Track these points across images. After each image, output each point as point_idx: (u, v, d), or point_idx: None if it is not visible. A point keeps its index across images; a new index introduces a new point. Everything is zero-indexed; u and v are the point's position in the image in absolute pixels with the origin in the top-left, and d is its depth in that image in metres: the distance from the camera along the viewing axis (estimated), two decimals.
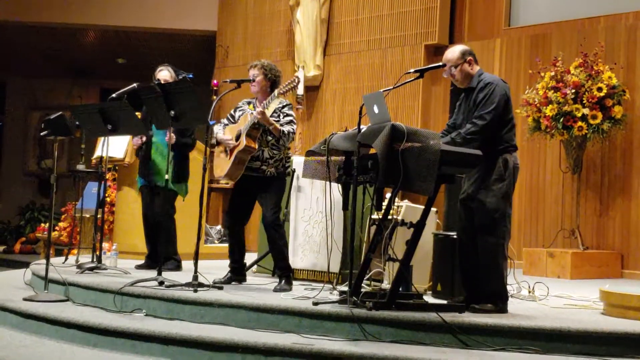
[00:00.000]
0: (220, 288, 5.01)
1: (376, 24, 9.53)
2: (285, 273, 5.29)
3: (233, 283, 5.42)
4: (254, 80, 5.39)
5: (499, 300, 4.52)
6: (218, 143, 5.44)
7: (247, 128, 5.21)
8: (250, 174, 5.28)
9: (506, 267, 4.61)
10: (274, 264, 5.60)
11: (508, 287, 5.12)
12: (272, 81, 5.40)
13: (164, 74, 6.25)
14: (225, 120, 5.52)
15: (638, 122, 7.47)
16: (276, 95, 5.28)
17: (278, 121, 5.28)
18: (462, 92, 4.79)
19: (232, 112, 5.53)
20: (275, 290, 5.14)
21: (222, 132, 5.43)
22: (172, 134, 5.79)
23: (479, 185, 4.54)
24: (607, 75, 7.30)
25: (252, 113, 5.25)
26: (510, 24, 8.74)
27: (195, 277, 4.97)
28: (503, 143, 4.57)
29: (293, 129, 5.31)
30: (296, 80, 5.38)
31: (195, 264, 5.05)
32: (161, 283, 5.00)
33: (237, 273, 5.50)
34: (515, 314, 4.49)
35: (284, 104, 5.39)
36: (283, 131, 5.23)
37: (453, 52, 4.74)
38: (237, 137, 5.25)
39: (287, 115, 5.34)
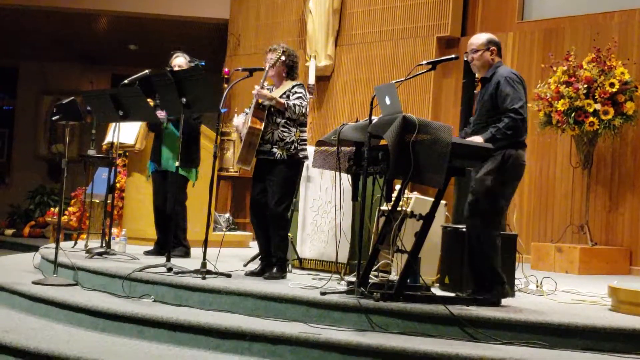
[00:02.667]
0: (229, 276, 5.03)
1: (388, 15, 9.50)
2: (279, 262, 5.24)
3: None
4: (265, 69, 5.34)
5: (494, 289, 4.52)
6: (237, 131, 5.42)
7: (252, 109, 5.19)
8: (262, 157, 5.24)
9: (498, 253, 4.59)
10: (265, 250, 5.41)
11: (516, 281, 5.14)
12: (289, 67, 5.35)
13: (180, 60, 6.25)
14: (247, 110, 5.49)
15: None
16: (267, 70, 5.22)
17: (287, 100, 5.21)
18: (477, 84, 4.79)
19: (253, 101, 5.51)
20: (265, 277, 5.12)
21: (241, 121, 5.39)
22: (163, 112, 5.79)
23: (479, 178, 4.54)
24: (619, 70, 7.25)
25: (253, 94, 5.21)
26: (524, 17, 8.69)
27: (204, 264, 4.98)
28: (512, 139, 4.56)
29: (301, 103, 5.19)
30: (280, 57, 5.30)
31: (204, 252, 5.06)
32: (170, 269, 5.02)
33: (269, 261, 5.31)
34: (522, 308, 4.49)
35: (295, 84, 5.33)
36: (287, 104, 5.14)
37: (478, 38, 4.77)
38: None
39: (296, 92, 5.25)
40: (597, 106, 7.18)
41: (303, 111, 5.22)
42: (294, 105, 5.16)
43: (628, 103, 7.22)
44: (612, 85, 7.19)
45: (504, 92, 4.53)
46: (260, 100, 5.18)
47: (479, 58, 4.70)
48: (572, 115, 7.26)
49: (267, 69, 5.26)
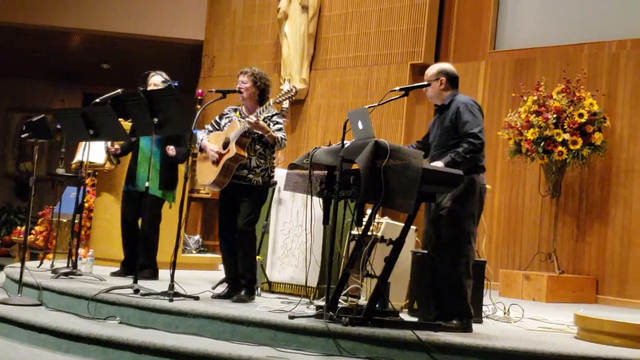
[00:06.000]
0: (197, 298, 4.98)
1: (363, 41, 9.58)
2: (248, 285, 5.21)
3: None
4: (240, 92, 5.36)
5: (463, 318, 4.54)
6: (202, 150, 5.39)
7: (237, 136, 5.17)
8: (237, 182, 5.24)
9: (470, 285, 4.62)
10: (232, 273, 5.37)
11: (484, 308, 5.16)
12: (260, 89, 5.36)
13: (156, 79, 6.21)
14: (209, 127, 5.48)
15: (617, 149, 7.56)
16: (271, 104, 5.26)
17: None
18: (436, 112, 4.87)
19: (216, 118, 5.50)
20: (234, 300, 5.08)
21: (206, 138, 5.39)
22: (172, 147, 5.81)
23: (446, 205, 4.57)
24: (588, 101, 7.38)
25: (242, 121, 5.21)
26: (496, 47, 8.82)
27: (172, 286, 4.93)
28: (472, 163, 4.61)
29: (284, 136, 5.28)
30: (293, 91, 5.36)
31: (172, 273, 5.01)
32: (137, 291, 4.96)
33: (236, 284, 5.28)
34: (490, 334, 4.51)
35: (273, 112, 5.36)
36: (278, 137, 5.20)
37: (432, 69, 4.91)
38: (225, 145, 5.22)
39: (277, 123, 5.31)
40: (566, 136, 7.29)
41: (285, 144, 5.30)
42: (282, 139, 5.24)
43: (596, 134, 7.34)
44: (581, 115, 7.31)
45: (464, 119, 4.62)
46: (254, 130, 5.17)
47: (431, 89, 4.82)
48: (542, 144, 7.36)
49: (271, 102, 5.27)
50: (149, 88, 6.02)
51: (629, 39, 7.71)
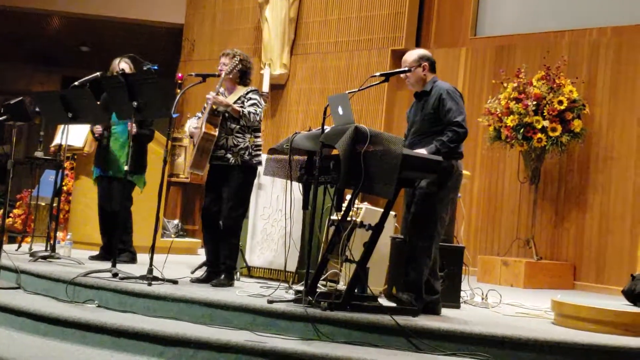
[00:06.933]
0: (175, 282, 4.97)
1: (344, 26, 9.55)
2: (228, 269, 5.20)
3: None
4: (221, 73, 5.32)
5: (413, 293, 4.56)
6: (191, 136, 5.36)
7: (206, 115, 5.15)
8: (215, 162, 5.20)
9: (428, 265, 4.63)
10: (212, 257, 5.33)
11: (462, 293, 5.20)
12: (242, 72, 5.32)
13: (123, 66, 6.15)
14: (199, 114, 5.44)
15: (596, 137, 7.62)
16: (223, 76, 5.21)
17: (242, 107, 5.20)
18: (415, 98, 4.86)
19: (205, 105, 5.47)
20: (213, 284, 5.07)
21: (193, 125, 5.35)
22: (134, 124, 5.74)
23: (422, 187, 4.59)
24: (568, 89, 7.42)
25: (207, 99, 5.18)
26: (477, 33, 8.84)
27: (150, 271, 4.91)
28: (453, 150, 4.63)
29: (255, 111, 5.16)
30: (242, 55, 5.29)
31: (151, 257, 4.99)
32: (115, 275, 4.94)
33: (216, 269, 5.25)
34: (467, 320, 4.54)
35: (249, 89, 5.32)
36: (242, 111, 5.11)
37: (411, 55, 4.86)
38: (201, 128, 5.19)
39: (251, 99, 5.24)
40: (546, 123, 7.33)
41: (257, 118, 5.21)
42: (249, 113, 5.14)
43: (575, 121, 7.39)
44: (560, 103, 7.35)
45: (447, 106, 4.62)
46: (214, 107, 5.14)
47: (413, 75, 4.79)
48: (521, 131, 7.39)
49: (222, 75, 5.23)
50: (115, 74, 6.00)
51: (610, 26, 7.75)
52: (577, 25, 8.00)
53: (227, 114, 5.16)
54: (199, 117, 5.36)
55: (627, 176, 7.41)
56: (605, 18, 7.85)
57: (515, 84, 7.57)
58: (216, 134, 5.11)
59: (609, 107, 7.60)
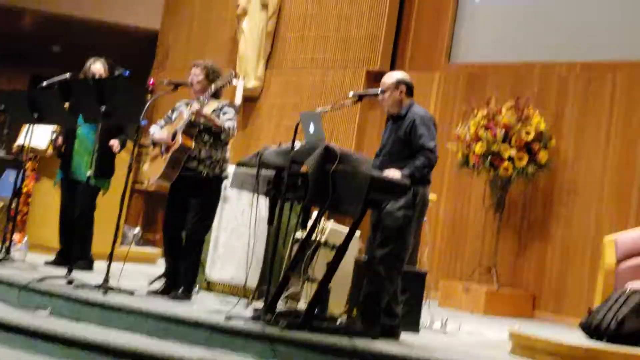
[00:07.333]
0: (132, 293, 4.86)
1: (321, 44, 9.55)
2: (187, 283, 5.10)
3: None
4: (192, 83, 5.28)
5: (373, 316, 4.53)
6: (154, 144, 5.27)
7: (183, 126, 5.07)
8: (185, 174, 5.12)
9: (389, 289, 4.59)
10: (172, 269, 5.23)
11: (422, 319, 5.18)
12: (213, 82, 5.29)
13: (97, 67, 6.07)
14: (162, 122, 5.36)
15: (561, 169, 7.70)
16: (212, 90, 5.16)
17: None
18: (390, 120, 4.87)
19: (169, 113, 5.40)
20: (170, 297, 4.98)
21: (157, 132, 5.28)
22: (116, 142, 5.69)
23: (389, 211, 4.58)
24: (536, 120, 7.50)
25: (191, 111, 5.11)
26: (451, 59, 8.90)
27: (107, 279, 4.81)
28: (425, 176, 4.64)
29: (234, 125, 5.16)
30: (233, 74, 5.26)
31: (109, 266, 4.89)
32: (70, 282, 4.82)
33: (175, 282, 5.16)
34: (425, 345, 4.52)
35: (224, 103, 5.29)
36: (223, 126, 5.09)
37: (390, 77, 4.86)
38: (173, 137, 5.11)
39: (227, 113, 5.22)
40: (513, 152, 7.39)
41: (235, 133, 5.19)
42: (229, 128, 5.12)
43: (542, 152, 7.46)
44: (528, 133, 7.42)
45: (419, 131, 4.64)
46: (194, 119, 5.07)
47: (389, 97, 4.79)
48: (489, 158, 7.44)
49: (212, 88, 5.16)
50: (90, 75, 5.91)
51: (579, 62, 7.86)
52: (547, 58, 8.10)
53: (202, 126, 5.11)
54: (162, 126, 5.30)
55: (589, 210, 7.48)
56: (575, 53, 7.96)
57: (485, 112, 7.63)
58: (193, 145, 5.06)
59: (575, 141, 7.69)
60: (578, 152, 7.66)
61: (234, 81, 5.26)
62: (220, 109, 5.21)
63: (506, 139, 7.45)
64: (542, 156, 7.45)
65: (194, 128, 5.09)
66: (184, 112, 5.20)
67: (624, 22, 7.73)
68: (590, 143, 7.61)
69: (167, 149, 5.11)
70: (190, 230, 5.10)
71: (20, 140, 6.69)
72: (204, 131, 5.13)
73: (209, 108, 5.21)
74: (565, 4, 8.12)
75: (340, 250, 4.44)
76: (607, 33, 7.80)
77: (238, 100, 9.48)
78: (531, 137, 7.42)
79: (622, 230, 6.33)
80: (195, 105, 5.06)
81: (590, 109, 7.67)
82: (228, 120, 5.15)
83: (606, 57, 7.72)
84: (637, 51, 7.53)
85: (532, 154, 7.45)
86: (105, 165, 5.97)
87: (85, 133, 6.04)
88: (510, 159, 7.39)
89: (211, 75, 5.25)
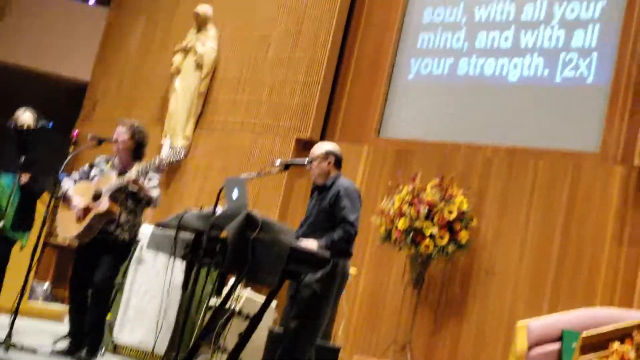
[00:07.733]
0: (34, 352, 4.64)
1: (253, 108, 9.59)
2: (92, 343, 4.94)
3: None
4: (116, 141, 5.22)
5: None
6: (65, 199, 5.13)
7: (111, 190, 4.97)
8: (101, 237, 5.01)
9: None
10: (77, 328, 5.08)
11: None
12: (137, 143, 5.25)
13: (27, 116, 5.90)
14: (76, 175, 5.24)
15: (480, 249, 7.83)
16: (152, 165, 5.06)
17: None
18: (316, 191, 4.89)
19: (85, 168, 5.28)
20: (75, 358, 4.84)
21: (72, 188, 5.14)
22: (25, 175, 5.49)
23: (307, 283, 4.55)
24: (459, 199, 7.64)
25: (118, 176, 5.04)
26: (380, 134, 9.05)
27: (9, 335, 4.58)
28: (344, 249, 4.64)
29: (159, 194, 5.17)
30: (182, 153, 5.20)
31: (13, 321, 4.67)
32: None
33: (80, 342, 4.98)
34: None
35: (148, 166, 5.20)
36: (152, 197, 5.09)
37: (319, 148, 4.90)
38: (96, 197, 5.00)
39: (152, 179, 5.17)
40: (434, 230, 7.48)
41: (160, 202, 5.17)
42: (157, 199, 5.08)
43: (463, 232, 7.58)
44: (450, 212, 7.55)
45: (342, 204, 4.67)
46: (131, 188, 4.97)
47: (317, 167, 4.84)
48: (411, 234, 7.51)
49: (157, 162, 5.04)
50: (19, 124, 5.74)
51: (503, 146, 8.12)
52: (473, 140, 8.32)
53: (128, 191, 5.04)
54: (77, 180, 5.19)
55: (505, 293, 7.59)
56: (500, 137, 8.21)
57: (410, 188, 7.74)
58: (118, 211, 5.00)
59: (495, 223, 7.86)
60: (498, 234, 7.82)
61: (180, 157, 5.17)
62: (145, 174, 5.15)
63: (429, 216, 7.56)
64: (463, 236, 7.57)
65: (121, 193, 5.03)
66: (110, 173, 5.12)
67: (548, 112, 8.04)
68: (510, 227, 7.78)
69: (86, 209, 5.00)
70: (99, 287, 4.97)
71: None
72: (129, 197, 5.07)
73: (133, 171, 5.13)
74: (497, 91, 8.40)
75: (255, 320, 4.35)
76: (532, 121, 8.09)
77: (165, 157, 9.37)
78: (453, 216, 7.54)
79: (536, 315, 6.43)
80: (133, 174, 4.98)
81: (512, 193, 7.87)
82: (153, 188, 5.14)
83: (530, 144, 7.99)
84: (559, 141, 7.82)
85: (453, 232, 7.56)
86: (24, 216, 5.74)
87: (5, 181, 5.82)
88: (432, 236, 7.48)
89: (137, 136, 5.23)
